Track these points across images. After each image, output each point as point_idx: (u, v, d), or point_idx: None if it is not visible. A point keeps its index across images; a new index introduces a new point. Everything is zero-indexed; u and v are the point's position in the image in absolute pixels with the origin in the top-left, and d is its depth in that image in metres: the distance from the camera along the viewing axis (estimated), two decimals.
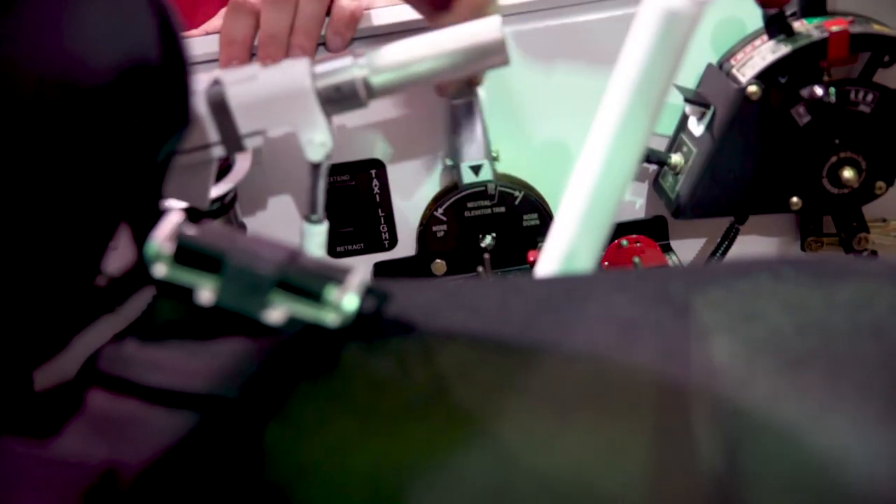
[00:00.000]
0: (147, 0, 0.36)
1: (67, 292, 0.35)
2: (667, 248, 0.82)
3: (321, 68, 0.47)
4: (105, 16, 0.34)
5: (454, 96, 0.73)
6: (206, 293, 0.34)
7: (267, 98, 0.47)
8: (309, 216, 0.52)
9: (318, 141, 0.48)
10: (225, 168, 0.64)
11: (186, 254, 0.34)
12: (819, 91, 0.70)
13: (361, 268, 0.34)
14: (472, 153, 0.76)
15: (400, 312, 0.34)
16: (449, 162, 0.78)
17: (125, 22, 0.35)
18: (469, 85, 0.73)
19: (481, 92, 0.74)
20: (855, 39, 0.70)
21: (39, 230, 0.32)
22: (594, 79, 0.77)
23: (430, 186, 0.80)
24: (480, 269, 0.79)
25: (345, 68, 0.47)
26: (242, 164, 0.65)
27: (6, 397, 0.33)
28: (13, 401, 0.33)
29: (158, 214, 0.35)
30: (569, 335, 0.32)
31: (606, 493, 0.27)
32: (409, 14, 0.74)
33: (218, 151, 0.47)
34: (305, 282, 0.33)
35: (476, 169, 0.75)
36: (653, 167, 0.81)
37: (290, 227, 0.79)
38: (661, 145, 0.80)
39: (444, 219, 0.78)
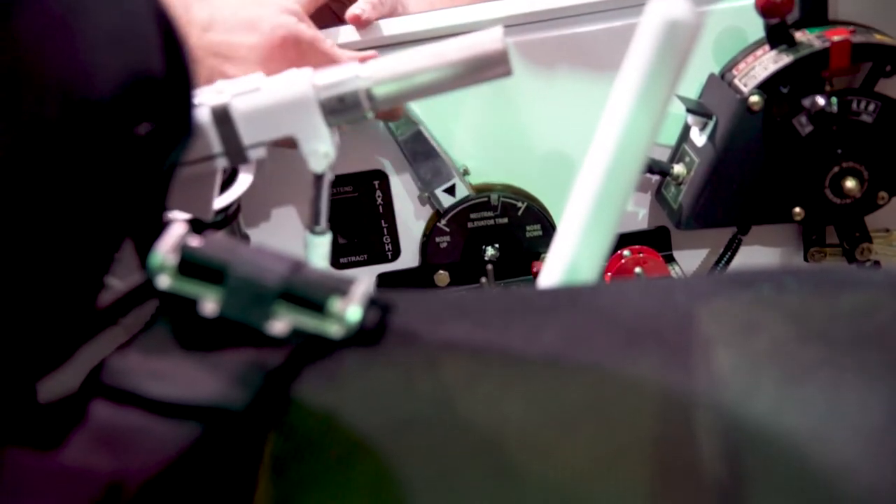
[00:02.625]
0: (151, 11, 0.36)
1: (71, 304, 0.35)
2: (669, 259, 0.82)
3: (324, 79, 0.47)
4: (109, 27, 0.34)
5: (398, 133, 0.74)
6: (209, 304, 0.34)
7: (270, 109, 0.47)
8: (312, 227, 0.52)
9: (322, 152, 0.48)
10: (228, 179, 0.64)
11: (190, 265, 0.34)
12: (821, 101, 0.70)
13: (365, 279, 0.34)
14: (439, 178, 0.76)
15: (403, 323, 0.34)
16: (425, 194, 0.78)
17: (129, 33, 0.35)
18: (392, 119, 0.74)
19: (419, 117, 0.75)
20: (856, 49, 0.70)
21: (42, 243, 0.32)
22: (596, 89, 0.77)
23: None
24: (483, 280, 0.79)
25: (348, 79, 0.47)
26: (246, 175, 0.65)
27: (10, 408, 0.33)
28: (18, 412, 0.33)
29: (162, 226, 0.35)
30: (572, 345, 0.32)
31: (609, 502, 0.27)
32: (415, 25, 0.74)
33: (221, 163, 0.47)
34: (309, 293, 0.33)
35: (450, 190, 0.75)
36: (655, 178, 0.81)
37: (293, 238, 0.79)
38: (663, 156, 0.80)
39: (448, 230, 0.78)
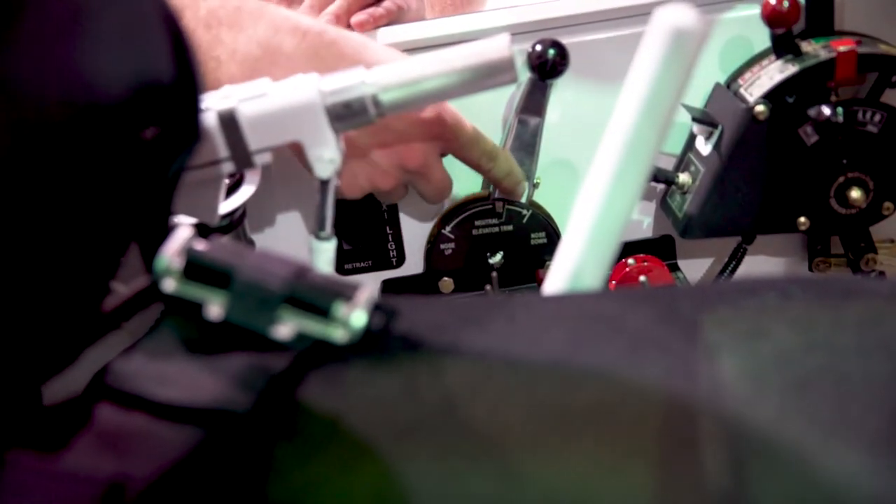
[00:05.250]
0: (160, 15, 0.36)
1: (77, 307, 0.35)
2: (674, 268, 0.82)
3: (330, 85, 0.47)
4: (117, 31, 0.35)
5: (524, 110, 0.73)
6: (214, 308, 0.34)
7: (276, 114, 0.47)
8: (317, 233, 0.52)
9: (327, 157, 0.48)
10: (234, 184, 0.64)
11: (195, 269, 0.34)
12: (827, 111, 0.70)
13: (369, 285, 0.34)
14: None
15: (408, 329, 0.34)
16: None
17: (137, 37, 0.35)
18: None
19: (547, 117, 0.74)
20: (862, 59, 0.70)
21: (48, 246, 0.32)
22: (602, 97, 0.77)
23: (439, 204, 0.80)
24: (488, 287, 0.79)
25: (354, 86, 0.47)
26: (251, 180, 0.65)
27: (15, 411, 0.33)
28: (22, 414, 0.33)
29: (168, 230, 0.36)
30: (577, 352, 0.32)
31: None
32: (422, 32, 0.74)
33: (227, 167, 0.48)
34: (314, 298, 0.33)
35: None
36: (660, 186, 0.81)
37: (298, 243, 0.79)
38: (668, 164, 0.80)
39: (452, 237, 0.78)
